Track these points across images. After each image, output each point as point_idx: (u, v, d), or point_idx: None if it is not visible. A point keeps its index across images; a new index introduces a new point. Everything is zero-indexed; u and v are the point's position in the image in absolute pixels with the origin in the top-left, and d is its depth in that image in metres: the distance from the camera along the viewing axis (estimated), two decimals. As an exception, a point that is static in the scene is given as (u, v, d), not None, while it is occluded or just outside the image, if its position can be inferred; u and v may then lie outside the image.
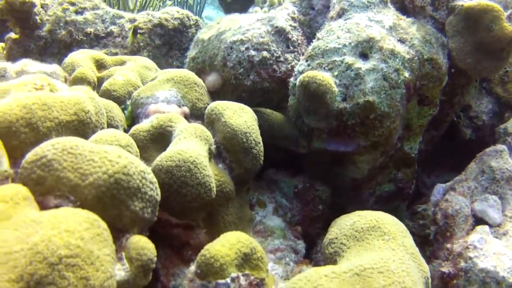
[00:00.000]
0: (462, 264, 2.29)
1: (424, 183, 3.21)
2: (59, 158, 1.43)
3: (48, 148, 1.45)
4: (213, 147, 2.09)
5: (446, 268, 2.37)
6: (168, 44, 3.64)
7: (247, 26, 2.76)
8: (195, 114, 2.42)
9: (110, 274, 1.28)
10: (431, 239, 2.60)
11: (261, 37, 2.69)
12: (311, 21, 2.99)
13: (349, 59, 2.40)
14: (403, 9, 2.89)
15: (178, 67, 3.53)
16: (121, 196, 1.46)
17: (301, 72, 2.47)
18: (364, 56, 2.45)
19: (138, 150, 1.88)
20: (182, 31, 3.67)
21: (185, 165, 1.78)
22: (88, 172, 1.44)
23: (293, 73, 2.58)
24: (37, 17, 3.54)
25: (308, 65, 2.49)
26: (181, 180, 1.77)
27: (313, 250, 2.46)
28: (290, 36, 2.79)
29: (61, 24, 3.55)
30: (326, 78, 2.33)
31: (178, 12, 3.69)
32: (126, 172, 1.48)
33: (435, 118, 2.78)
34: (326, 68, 2.43)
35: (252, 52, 2.65)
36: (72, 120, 1.77)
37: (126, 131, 2.23)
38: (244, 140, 2.12)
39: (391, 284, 1.60)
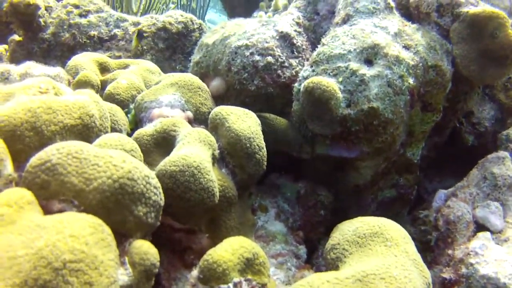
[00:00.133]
0: (464, 270, 2.29)
1: (426, 189, 3.21)
2: (63, 162, 1.44)
3: (53, 153, 1.46)
4: (217, 152, 2.09)
5: (447, 274, 2.37)
6: (171, 48, 3.65)
7: (252, 31, 2.76)
8: (199, 119, 2.42)
9: (114, 279, 1.28)
10: (432, 245, 2.60)
11: (266, 42, 2.69)
12: (316, 27, 2.99)
13: (354, 65, 2.41)
14: (408, 16, 2.90)
15: (181, 71, 3.54)
16: (125, 201, 1.46)
17: (306, 78, 2.47)
18: (369, 62, 2.45)
19: (142, 155, 1.88)
20: (185, 35, 3.68)
21: (189, 170, 1.78)
22: (92, 177, 1.44)
23: (298, 79, 2.59)
24: (41, 20, 3.55)
25: (313, 70, 2.49)
26: (185, 185, 1.77)
27: (315, 255, 2.46)
28: (295, 41, 2.79)
29: (65, 27, 3.55)
30: (331, 84, 2.34)
31: (182, 15, 3.70)
32: (131, 177, 1.48)
33: (438, 124, 2.78)
34: (330, 74, 2.43)
35: (257, 57, 2.65)
36: (77, 124, 1.78)
37: (129, 135, 2.23)
38: (248, 145, 2.12)
39: (393, 291, 1.60)
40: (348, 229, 1.90)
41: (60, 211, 1.40)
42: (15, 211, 1.29)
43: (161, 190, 1.63)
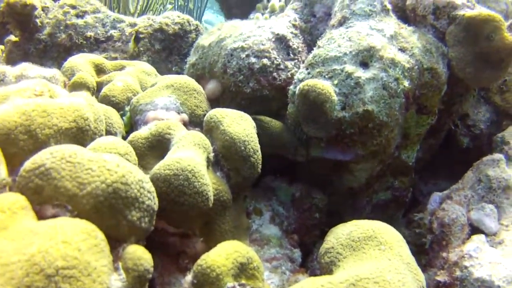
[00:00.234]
0: (458, 273, 2.30)
1: (421, 191, 3.21)
2: (57, 166, 1.44)
3: (47, 157, 1.45)
4: (212, 155, 2.09)
5: (441, 277, 2.37)
6: (168, 49, 3.64)
7: (248, 33, 2.75)
8: (194, 121, 2.42)
9: (107, 285, 1.28)
10: (427, 247, 2.60)
11: (262, 44, 2.69)
12: (312, 29, 2.99)
13: (349, 67, 2.41)
14: (405, 18, 2.89)
15: (177, 72, 3.53)
16: (119, 205, 1.46)
17: (301, 80, 2.48)
18: (365, 65, 2.45)
19: (136, 158, 1.88)
20: (182, 36, 3.67)
21: (183, 173, 1.78)
22: (86, 181, 1.44)
23: (293, 81, 2.58)
24: (37, 20, 3.54)
25: (308, 73, 2.50)
26: (179, 189, 1.77)
27: (310, 258, 2.46)
28: (291, 43, 2.79)
29: (61, 28, 3.55)
30: (326, 87, 2.34)
31: (178, 17, 3.69)
32: (125, 181, 1.48)
33: (433, 127, 2.78)
34: (326, 76, 2.43)
35: (253, 59, 2.64)
36: (71, 127, 1.77)
37: (124, 137, 2.23)
38: (243, 148, 2.12)
39: (386, 295, 1.61)
40: (342, 233, 1.90)
41: (54, 216, 1.40)
42: (8, 217, 1.29)
43: (155, 195, 1.63)
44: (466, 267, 2.28)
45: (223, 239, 1.84)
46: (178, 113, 2.36)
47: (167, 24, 3.63)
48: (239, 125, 2.18)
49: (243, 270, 1.68)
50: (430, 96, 2.64)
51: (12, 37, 3.62)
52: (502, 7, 3.05)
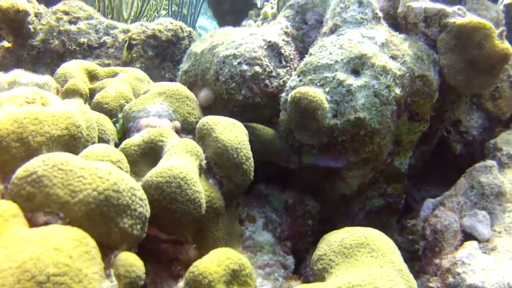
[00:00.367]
0: (451, 279, 2.30)
1: (414, 198, 3.22)
2: (49, 174, 1.44)
3: (39, 164, 1.46)
4: (204, 162, 2.09)
5: (434, 283, 2.38)
6: (161, 56, 3.65)
7: (240, 40, 2.76)
8: (187, 129, 2.42)
9: (98, 292, 1.28)
10: (420, 254, 2.61)
11: (254, 51, 2.70)
12: (304, 36, 3.00)
13: (340, 75, 2.41)
14: (396, 26, 2.91)
15: (170, 78, 3.54)
16: (111, 213, 1.46)
17: (293, 88, 2.48)
18: (356, 72, 2.46)
19: (128, 166, 1.88)
20: (175, 43, 3.68)
21: (175, 181, 1.78)
22: (78, 189, 1.44)
23: (285, 89, 2.59)
24: (30, 26, 3.54)
25: (300, 80, 2.50)
26: (171, 196, 1.77)
27: (303, 265, 2.46)
28: (282, 51, 2.80)
29: (55, 34, 3.55)
30: (318, 94, 2.34)
31: (171, 23, 3.70)
32: (116, 189, 1.48)
33: (425, 134, 2.79)
34: (317, 84, 2.44)
35: (245, 67, 2.65)
36: (63, 134, 1.77)
37: (117, 144, 2.23)
38: (235, 155, 2.12)
39: (378, 301, 1.61)
40: (335, 240, 1.90)
41: (46, 223, 1.40)
42: (0, 224, 1.29)
43: (147, 202, 1.63)
44: (458, 274, 2.29)
45: (216, 246, 1.85)
46: (171, 120, 2.37)
47: (160, 31, 3.63)
48: (232, 132, 2.18)
49: (236, 277, 1.68)
50: (422, 103, 2.65)
51: (5, 43, 3.62)
52: (492, 15, 3.07)
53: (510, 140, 2.99)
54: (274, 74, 2.70)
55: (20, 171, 1.46)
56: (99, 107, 2.45)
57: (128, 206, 1.51)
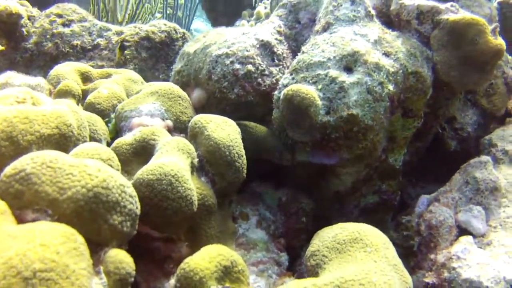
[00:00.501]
0: (446, 274, 2.29)
1: (409, 195, 3.21)
2: (38, 172, 1.43)
3: (27, 162, 1.45)
4: (196, 160, 2.09)
5: (429, 278, 2.37)
6: (155, 57, 3.65)
7: (232, 39, 2.76)
8: (179, 128, 2.42)
9: (86, 288, 1.28)
10: (415, 250, 2.60)
11: (247, 50, 2.70)
12: (297, 35, 3.00)
13: (333, 72, 2.41)
14: (389, 23, 2.91)
15: (164, 80, 3.53)
16: (100, 210, 1.46)
17: (286, 86, 2.48)
18: (349, 69, 2.46)
19: (119, 164, 1.88)
20: (169, 44, 3.68)
21: (166, 178, 1.78)
22: (66, 186, 1.44)
23: (278, 87, 2.59)
24: (23, 29, 3.54)
25: (293, 78, 2.50)
26: (162, 193, 1.77)
27: (297, 262, 2.46)
28: (275, 49, 2.80)
29: (48, 36, 3.55)
30: (310, 91, 2.34)
31: (165, 25, 3.70)
32: (105, 186, 1.48)
33: (419, 130, 2.79)
34: (310, 81, 2.44)
35: (237, 66, 2.65)
36: (54, 133, 1.77)
37: (109, 144, 2.23)
38: (227, 153, 2.12)
39: (372, 296, 1.60)
40: (328, 236, 1.90)
41: (34, 220, 1.39)
42: (-12, 221, 1.29)
43: (137, 199, 1.62)
44: (454, 268, 2.28)
45: (209, 244, 1.83)
46: (163, 120, 2.36)
47: (153, 32, 3.63)
48: (224, 130, 2.18)
49: (227, 274, 1.68)
50: (415, 99, 2.64)
51: (-2, 46, 3.62)
52: (485, 11, 3.06)
53: (504, 136, 2.99)
54: (267, 72, 2.70)
55: (9, 169, 1.45)
56: (91, 108, 2.45)
57: (118, 203, 1.51)
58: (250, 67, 2.66)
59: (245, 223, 2.38)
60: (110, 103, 2.50)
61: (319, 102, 2.35)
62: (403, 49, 2.63)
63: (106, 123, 2.39)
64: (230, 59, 2.67)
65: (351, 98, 2.36)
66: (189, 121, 2.33)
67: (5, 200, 1.39)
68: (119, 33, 3.66)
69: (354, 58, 2.46)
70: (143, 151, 2.09)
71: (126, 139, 2.13)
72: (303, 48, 2.65)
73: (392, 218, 2.92)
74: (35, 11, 3.68)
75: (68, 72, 2.70)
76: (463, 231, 2.52)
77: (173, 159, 1.90)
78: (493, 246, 2.39)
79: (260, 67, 2.69)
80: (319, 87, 2.40)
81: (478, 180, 2.62)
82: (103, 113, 2.44)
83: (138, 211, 1.62)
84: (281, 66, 2.78)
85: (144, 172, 1.80)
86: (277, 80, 2.70)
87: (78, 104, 2.45)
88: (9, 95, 1.86)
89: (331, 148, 2.42)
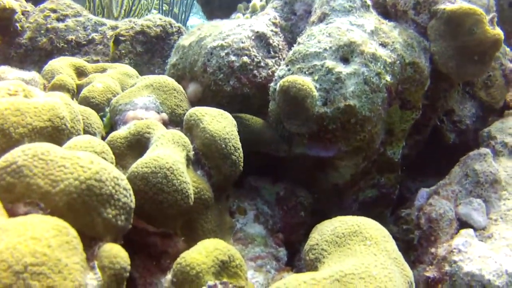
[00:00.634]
0: (447, 268, 2.27)
1: (409, 188, 3.19)
2: (29, 164, 1.40)
3: (19, 154, 1.42)
4: (191, 153, 2.06)
5: (430, 272, 2.35)
6: (150, 52, 3.63)
7: (227, 31, 2.74)
8: (174, 121, 2.39)
9: (79, 283, 1.24)
10: (415, 243, 2.58)
11: (242, 42, 2.67)
12: (292, 27, 2.98)
13: (329, 63, 2.39)
14: (385, 14, 2.89)
15: (160, 74, 3.50)
16: (93, 203, 1.43)
17: (282, 77, 2.45)
18: (345, 60, 2.43)
19: (113, 157, 1.85)
20: (164, 39, 3.66)
21: (161, 171, 1.75)
22: (59, 178, 1.40)
23: (274, 78, 2.56)
24: (17, 24, 3.52)
25: (289, 69, 2.48)
26: (157, 186, 1.74)
27: (296, 257, 2.44)
28: (271, 41, 2.77)
29: (42, 32, 3.52)
30: (306, 82, 2.32)
31: (160, 19, 3.68)
32: (98, 178, 1.45)
33: (418, 123, 2.77)
34: (306, 72, 2.41)
35: (232, 58, 2.63)
36: (46, 126, 1.74)
37: (104, 138, 2.20)
38: (223, 146, 2.09)
39: (372, 290, 1.57)
40: (327, 229, 1.87)
41: (26, 214, 1.36)
42: (-22, 215, 1.26)
43: (131, 192, 1.59)
44: (455, 262, 2.25)
45: (206, 238, 1.80)
46: (158, 113, 2.34)
47: (148, 27, 3.61)
48: (220, 123, 2.15)
49: (225, 268, 1.65)
50: (413, 91, 2.62)
51: (-8, 42, 3.59)
52: (483, 1, 3.03)
53: (503, 128, 2.96)
54: (262, 64, 2.68)
55: (0, 162, 1.42)
56: (85, 102, 2.42)
57: (112, 195, 1.48)
58: (245, 59, 2.63)
59: (243, 218, 2.35)
60: (104, 97, 2.47)
61: (316, 93, 2.33)
62: (400, 40, 2.61)
63: (101, 117, 2.36)
64: (225, 51, 2.64)
65: (348, 89, 2.33)
66: (184, 114, 2.30)
67: (-4, 194, 1.36)
68: (114, 28, 3.63)
69: (350, 49, 2.43)
70: (138, 145, 2.06)
71: (121, 132, 2.10)
72: (299, 39, 2.62)
73: (391, 212, 2.90)
74: (29, 6, 3.66)
75: (62, 66, 2.68)
76: (463, 224, 2.50)
77: (168, 152, 1.87)
78: (494, 239, 2.37)
79: (255, 59, 2.66)
80: (316, 78, 2.37)
81: (478, 172, 2.60)
82: (97, 107, 2.41)
83: (133, 205, 1.59)
84: (277, 58, 2.76)
85: (139, 165, 1.77)
86: (273, 72, 2.67)
87: (72, 99, 2.43)
88: (1, 88, 1.83)
89: (329, 140, 2.40)
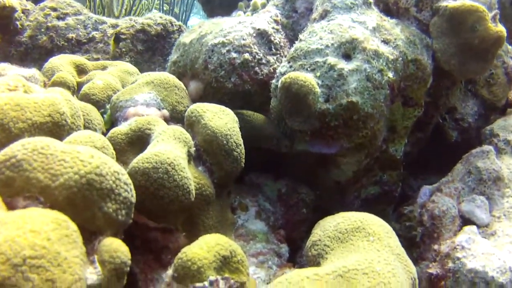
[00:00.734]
0: (450, 264, 2.26)
1: (411, 186, 3.18)
2: (29, 158, 1.39)
3: (18, 148, 1.41)
4: (193, 149, 2.05)
5: (433, 269, 2.34)
6: (151, 50, 3.62)
7: (228, 28, 2.73)
8: (176, 117, 2.38)
9: (79, 276, 1.23)
10: (418, 240, 2.57)
11: (243, 39, 2.66)
12: (294, 24, 2.97)
13: (331, 59, 2.38)
14: (387, 11, 2.89)
15: (160, 72, 3.51)
16: (93, 197, 1.42)
17: (283, 74, 2.44)
18: (347, 56, 2.43)
19: (114, 152, 1.84)
20: (165, 37, 3.66)
21: (162, 166, 1.74)
22: (59, 172, 1.39)
23: (275, 75, 2.55)
24: (18, 23, 3.51)
25: (290, 66, 2.47)
26: (158, 182, 1.73)
27: (298, 254, 2.43)
28: (272, 38, 2.77)
29: (42, 30, 3.52)
30: (308, 79, 2.30)
31: (161, 17, 3.68)
32: (99, 172, 1.44)
33: (420, 120, 2.76)
34: (308, 69, 2.40)
35: (234, 55, 2.62)
36: (46, 121, 1.73)
37: (104, 135, 2.19)
38: (225, 142, 2.08)
39: (376, 286, 1.56)
40: (330, 225, 1.86)
41: (25, 208, 1.35)
42: (-23, 209, 1.25)
43: (132, 187, 1.58)
44: (458, 259, 2.24)
45: (207, 234, 1.79)
46: (159, 109, 2.33)
47: (149, 25, 3.60)
48: (221, 119, 2.14)
49: (226, 264, 1.64)
50: (416, 88, 2.61)
51: (-8, 40, 3.59)
52: (485, -2, 3.03)
53: (506, 126, 2.95)
54: (264, 61, 2.67)
55: (-1, 156, 1.41)
56: (86, 99, 2.42)
57: (112, 190, 1.47)
58: (247, 55, 2.63)
59: (244, 214, 2.34)
60: (105, 94, 2.46)
61: (318, 90, 2.31)
62: (402, 37, 2.60)
63: (101, 114, 2.36)
64: (227, 48, 2.64)
65: (350, 85, 2.32)
66: (185, 111, 2.29)
67: (-5, 187, 1.35)
68: (114, 26, 3.63)
69: (352, 45, 2.42)
70: (138, 141, 2.06)
71: (121, 128, 2.09)
72: (301, 36, 2.61)
73: (394, 209, 2.89)
74: (29, 5, 3.66)
75: (63, 64, 2.67)
76: (466, 221, 2.49)
77: (169, 148, 1.86)
78: (498, 236, 2.36)
79: (257, 56, 2.65)
80: (318, 74, 2.36)
81: (480, 170, 2.59)
82: (98, 104, 2.41)
83: (134, 199, 1.58)
84: (278, 55, 2.75)
85: (140, 160, 1.76)
86: (275, 69, 2.67)
87: (73, 96, 2.42)
88: (0, 83, 1.82)
89: (331, 137, 2.38)
